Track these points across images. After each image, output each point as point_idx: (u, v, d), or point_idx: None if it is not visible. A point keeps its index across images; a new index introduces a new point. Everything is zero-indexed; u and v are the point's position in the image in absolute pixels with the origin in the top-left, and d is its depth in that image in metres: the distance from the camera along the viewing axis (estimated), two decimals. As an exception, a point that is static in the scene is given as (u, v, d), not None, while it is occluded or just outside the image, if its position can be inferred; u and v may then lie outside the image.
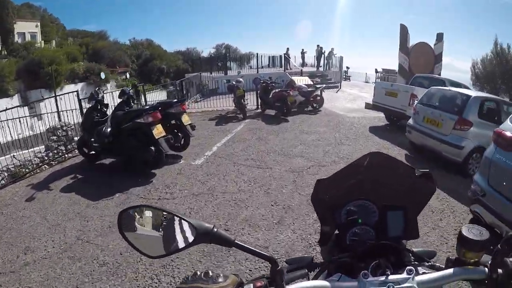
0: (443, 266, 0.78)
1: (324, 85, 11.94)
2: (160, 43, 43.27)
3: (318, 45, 22.09)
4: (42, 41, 28.67)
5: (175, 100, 6.74)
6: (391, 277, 0.73)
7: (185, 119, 6.16)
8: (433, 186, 1.14)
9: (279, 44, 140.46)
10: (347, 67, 23.00)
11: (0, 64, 18.92)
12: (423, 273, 0.77)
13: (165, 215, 0.75)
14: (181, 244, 0.72)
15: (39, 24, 30.27)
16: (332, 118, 9.76)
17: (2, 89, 17.35)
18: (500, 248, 0.70)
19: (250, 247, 0.70)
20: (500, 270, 0.69)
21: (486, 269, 0.72)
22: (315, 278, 0.90)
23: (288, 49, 21.19)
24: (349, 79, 22.84)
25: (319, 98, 10.99)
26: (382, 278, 0.73)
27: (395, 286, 0.70)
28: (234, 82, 10.47)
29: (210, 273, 0.69)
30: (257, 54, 19.85)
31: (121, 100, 5.98)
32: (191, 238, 0.70)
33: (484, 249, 0.72)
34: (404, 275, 0.72)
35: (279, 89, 10.49)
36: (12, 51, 22.66)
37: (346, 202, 1.10)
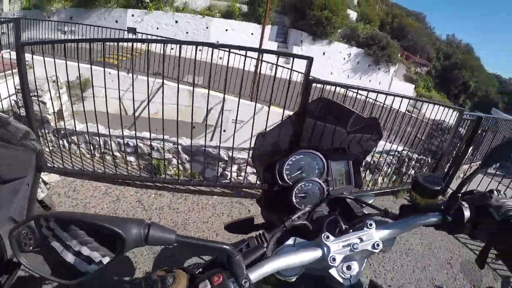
0: (397, 214, 0.83)
1: None
2: (480, 57, 35.67)
3: None
4: None
5: None
6: (352, 234, 0.72)
7: None
8: (379, 133, 1.12)
9: None
10: None
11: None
12: (380, 223, 0.77)
13: (78, 222, 0.58)
14: (105, 257, 0.57)
15: None
16: None
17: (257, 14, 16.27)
18: (454, 193, 0.77)
19: (198, 241, 0.61)
20: (452, 214, 0.76)
21: (440, 213, 0.77)
22: (269, 248, 0.76)
23: None
24: None
25: None
26: (344, 237, 0.71)
27: (359, 244, 0.69)
28: None
29: (154, 277, 0.61)
30: None
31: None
32: (118, 245, 0.56)
33: (438, 195, 0.79)
34: (365, 230, 0.72)
35: None
36: None
37: (289, 155, 1.04)
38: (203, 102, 8.47)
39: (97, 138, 3.78)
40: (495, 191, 0.79)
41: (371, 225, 0.72)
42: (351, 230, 0.77)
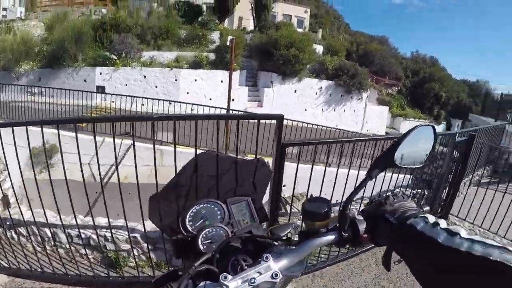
0: (297, 240, 0.86)
1: None
2: (446, 66, 36.99)
3: None
4: (307, 29, 28.76)
5: None
6: (250, 269, 0.74)
7: None
8: (268, 170, 1.24)
9: None
10: None
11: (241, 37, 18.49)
12: (281, 253, 0.81)
13: None
14: None
15: (308, 11, 31.24)
16: None
17: (225, 61, 16.59)
18: (341, 211, 0.80)
19: None
20: (348, 230, 0.80)
21: (336, 232, 0.81)
22: None
23: None
24: None
25: None
26: (242, 274, 0.73)
27: (257, 278, 0.72)
28: None
29: None
30: None
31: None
32: None
33: (328, 216, 0.83)
34: (262, 264, 0.74)
35: None
36: (262, 27, 22.38)
37: (188, 209, 1.10)
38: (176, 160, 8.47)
39: (46, 229, 3.45)
40: (390, 196, 0.82)
41: (267, 258, 0.75)
42: (246, 267, 0.80)
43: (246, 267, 0.80)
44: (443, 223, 0.64)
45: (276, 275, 0.73)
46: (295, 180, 3.01)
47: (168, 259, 3.29)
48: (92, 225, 3.26)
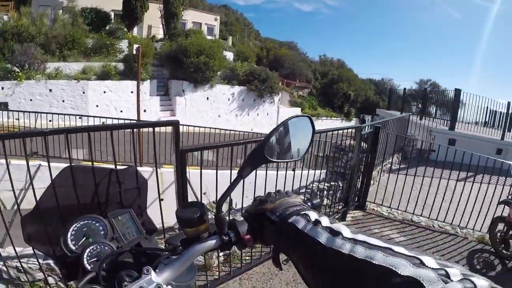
0: (181, 249, 0.82)
1: None
2: (352, 67, 39.67)
3: None
4: (217, 36, 29.04)
5: None
6: (133, 284, 0.71)
7: None
8: (142, 178, 1.21)
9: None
10: None
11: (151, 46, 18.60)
12: (166, 264, 0.79)
13: None
14: None
15: (218, 18, 31.36)
16: None
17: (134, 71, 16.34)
18: (216, 215, 0.78)
19: None
20: (230, 232, 0.78)
21: (216, 236, 0.79)
22: None
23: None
24: None
25: None
26: None
27: None
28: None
29: None
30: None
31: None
32: None
33: (204, 221, 0.80)
34: (143, 277, 0.72)
35: None
36: (172, 35, 22.40)
37: (68, 227, 1.04)
38: (90, 176, 8.40)
39: None
40: (272, 193, 0.80)
41: (148, 270, 0.73)
42: (128, 282, 0.78)
43: (128, 283, 0.78)
44: (325, 221, 0.63)
45: (159, 287, 0.72)
46: (201, 185, 2.93)
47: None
48: (5, 256, 3.06)
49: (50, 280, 3.17)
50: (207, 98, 18.33)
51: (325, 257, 0.57)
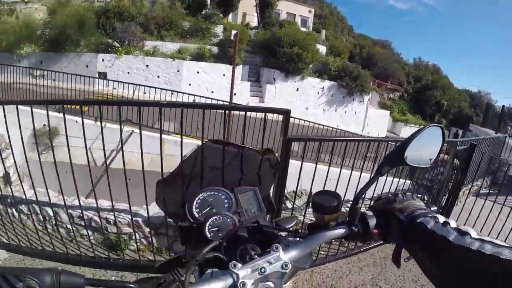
0: (307, 232, 0.87)
1: None
2: (447, 74, 36.97)
3: None
4: (310, 28, 28.64)
5: None
6: (260, 259, 0.75)
7: None
8: (276, 160, 1.21)
9: None
10: None
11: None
12: (290, 244, 0.81)
13: None
14: None
15: (312, 11, 31.25)
16: None
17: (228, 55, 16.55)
18: (352, 206, 0.81)
19: (107, 282, 0.65)
20: (358, 225, 0.81)
21: (346, 226, 0.82)
22: (186, 283, 0.77)
23: None
24: None
25: None
26: (252, 263, 0.74)
27: (267, 267, 0.73)
28: None
29: None
30: None
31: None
32: None
33: (337, 210, 0.83)
34: (272, 253, 0.76)
35: None
36: (266, 24, 22.36)
37: (194, 196, 1.09)
38: (176, 149, 8.27)
39: (48, 209, 3.40)
40: (399, 194, 0.83)
41: (277, 248, 0.77)
42: (256, 256, 0.80)
43: (255, 256, 0.81)
44: (453, 223, 0.66)
45: (286, 265, 0.74)
46: (299, 175, 2.99)
47: (170, 245, 3.27)
48: (95, 207, 3.20)
49: (136, 235, 3.33)
50: (297, 89, 17.83)
51: (453, 254, 0.62)
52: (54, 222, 3.43)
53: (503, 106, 15.87)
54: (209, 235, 1.01)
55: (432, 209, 0.83)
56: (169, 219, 2.98)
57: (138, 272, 3.12)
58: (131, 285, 0.66)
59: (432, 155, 0.90)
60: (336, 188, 2.87)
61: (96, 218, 3.35)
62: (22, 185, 3.15)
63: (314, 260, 3.35)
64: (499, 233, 4.26)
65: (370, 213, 0.83)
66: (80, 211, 3.10)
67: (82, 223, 3.37)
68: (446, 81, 32.05)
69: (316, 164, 2.89)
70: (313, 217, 0.88)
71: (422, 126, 0.84)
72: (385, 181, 3.60)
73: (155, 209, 3.39)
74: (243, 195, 1.11)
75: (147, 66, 15.51)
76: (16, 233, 3.16)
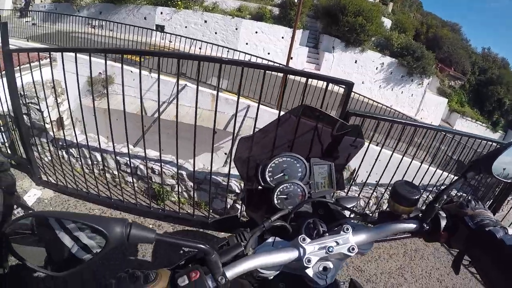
0: (375, 218, 0.88)
1: None
2: None
3: None
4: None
5: None
6: (329, 237, 0.75)
7: None
8: (362, 140, 1.17)
9: None
10: None
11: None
12: (357, 227, 0.81)
13: (64, 221, 0.64)
14: (89, 253, 0.63)
15: None
16: None
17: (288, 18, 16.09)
18: (432, 202, 0.80)
19: (176, 239, 0.67)
20: (429, 223, 0.81)
21: (417, 221, 0.81)
22: (248, 247, 0.80)
23: None
24: None
25: None
26: (320, 240, 0.75)
27: (335, 247, 0.73)
28: None
29: (137, 273, 0.64)
30: None
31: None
32: (101, 243, 0.61)
33: (415, 204, 0.82)
34: (341, 234, 0.75)
35: None
36: None
37: (271, 159, 1.08)
38: (227, 107, 8.14)
39: (97, 154, 3.50)
40: (472, 201, 0.82)
41: (347, 229, 0.75)
42: (327, 234, 0.80)
43: (325, 234, 0.81)
44: None
45: (353, 248, 0.74)
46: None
47: (210, 201, 3.33)
48: (142, 156, 3.25)
49: (178, 188, 3.36)
50: (355, 61, 17.11)
51: None
52: (101, 167, 3.54)
53: None
54: (276, 202, 1.02)
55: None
56: (213, 176, 3.18)
57: (177, 223, 3.18)
58: (200, 245, 0.66)
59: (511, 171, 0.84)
60: (384, 171, 3.06)
61: (142, 166, 3.41)
62: (74, 130, 3.20)
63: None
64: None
65: (443, 213, 0.82)
66: (127, 158, 3.12)
67: (128, 170, 3.46)
68: (512, 78, 29.81)
69: (370, 143, 2.75)
70: (388, 205, 0.87)
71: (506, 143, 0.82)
72: (434, 172, 3.62)
73: (199, 164, 3.47)
74: (318, 167, 1.10)
75: (205, 21, 15.40)
76: (64, 174, 3.27)
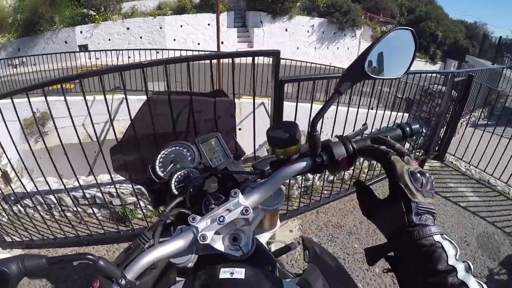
0: (270, 171, 0.84)
1: None
2: (442, 5, 36.11)
3: None
4: None
5: None
6: (219, 208, 0.73)
7: None
8: (228, 99, 1.19)
9: None
10: None
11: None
12: (255, 187, 0.79)
13: None
14: None
15: None
16: None
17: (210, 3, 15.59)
18: (310, 132, 0.74)
19: (65, 257, 0.66)
20: (322, 154, 0.75)
21: (308, 157, 0.76)
22: (155, 243, 0.80)
23: None
24: None
25: None
26: (210, 213, 0.73)
27: (226, 215, 0.71)
28: None
29: None
30: None
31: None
32: (5, 282, 0.61)
33: (295, 141, 0.77)
34: (230, 200, 0.73)
35: None
36: None
37: (156, 155, 1.08)
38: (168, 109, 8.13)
39: (51, 196, 3.37)
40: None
41: (235, 193, 0.73)
42: (215, 206, 0.80)
43: (214, 206, 0.81)
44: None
45: (247, 210, 0.71)
46: (295, 118, 2.83)
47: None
48: (95, 184, 3.20)
49: (141, 203, 3.29)
50: (286, 30, 17.24)
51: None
52: (59, 208, 3.43)
53: (500, 37, 15.93)
54: (176, 192, 1.00)
55: (413, 127, 0.89)
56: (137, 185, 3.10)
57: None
58: (88, 256, 0.66)
59: (404, 64, 0.77)
60: (333, 127, 2.99)
61: (99, 194, 3.34)
62: (21, 181, 3.14)
63: (318, 200, 3.55)
64: (497, 164, 4.44)
65: (334, 139, 0.76)
66: (81, 191, 3.07)
67: (86, 202, 3.34)
68: (440, 12, 30.93)
69: (312, 104, 2.80)
70: (274, 153, 0.83)
71: (388, 30, 0.74)
72: (383, 116, 3.62)
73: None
74: (205, 145, 1.08)
75: (128, 29, 14.97)
76: (26, 229, 3.19)
